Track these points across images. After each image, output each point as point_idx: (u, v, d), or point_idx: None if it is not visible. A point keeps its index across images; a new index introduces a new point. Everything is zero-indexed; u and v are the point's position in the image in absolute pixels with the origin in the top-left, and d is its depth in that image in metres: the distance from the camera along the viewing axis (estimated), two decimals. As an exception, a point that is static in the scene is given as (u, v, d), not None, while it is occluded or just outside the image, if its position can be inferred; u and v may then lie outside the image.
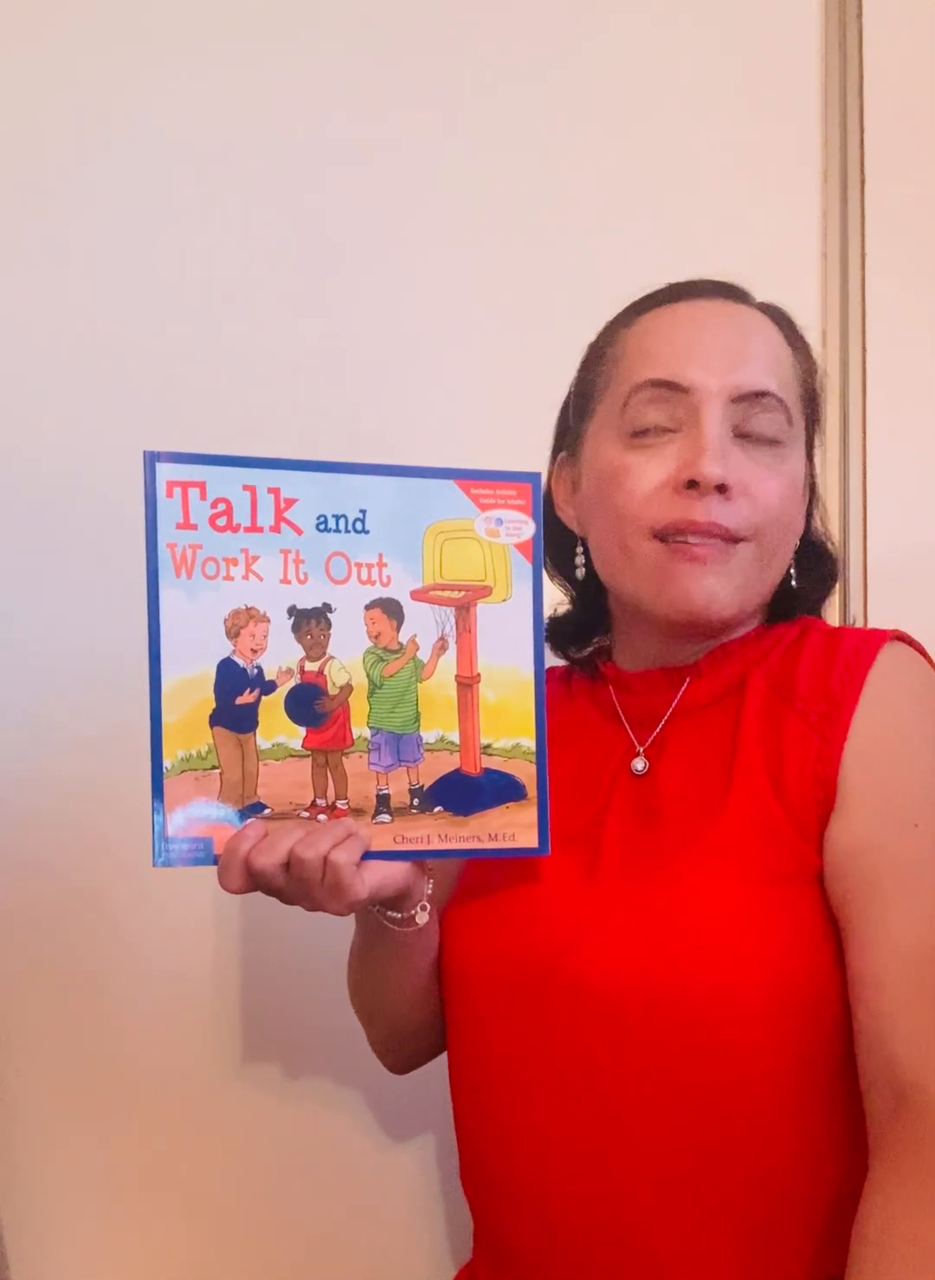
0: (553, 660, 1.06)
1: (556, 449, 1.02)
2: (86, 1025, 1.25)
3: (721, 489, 0.87)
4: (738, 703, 0.91)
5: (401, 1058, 1.07)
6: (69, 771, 1.23)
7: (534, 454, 1.00)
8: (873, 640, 0.88)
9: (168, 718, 0.81)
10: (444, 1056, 0.99)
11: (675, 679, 0.94)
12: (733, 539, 0.88)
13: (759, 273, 0.94)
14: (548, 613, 0.91)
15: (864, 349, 1.28)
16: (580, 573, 0.98)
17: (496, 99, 1.30)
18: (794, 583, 0.95)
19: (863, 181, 1.28)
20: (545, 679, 1.03)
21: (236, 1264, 1.26)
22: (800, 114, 1.29)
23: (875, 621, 1.25)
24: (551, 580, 1.02)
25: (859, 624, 1.25)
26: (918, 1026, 0.78)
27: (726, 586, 0.89)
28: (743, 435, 0.89)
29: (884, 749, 0.84)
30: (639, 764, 0.93)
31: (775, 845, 0.84)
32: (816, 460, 0.98)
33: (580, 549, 0.98)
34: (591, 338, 0.99)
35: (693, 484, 0.87)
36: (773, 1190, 0.83)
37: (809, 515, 0.98)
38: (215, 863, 0.82)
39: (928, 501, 1.25)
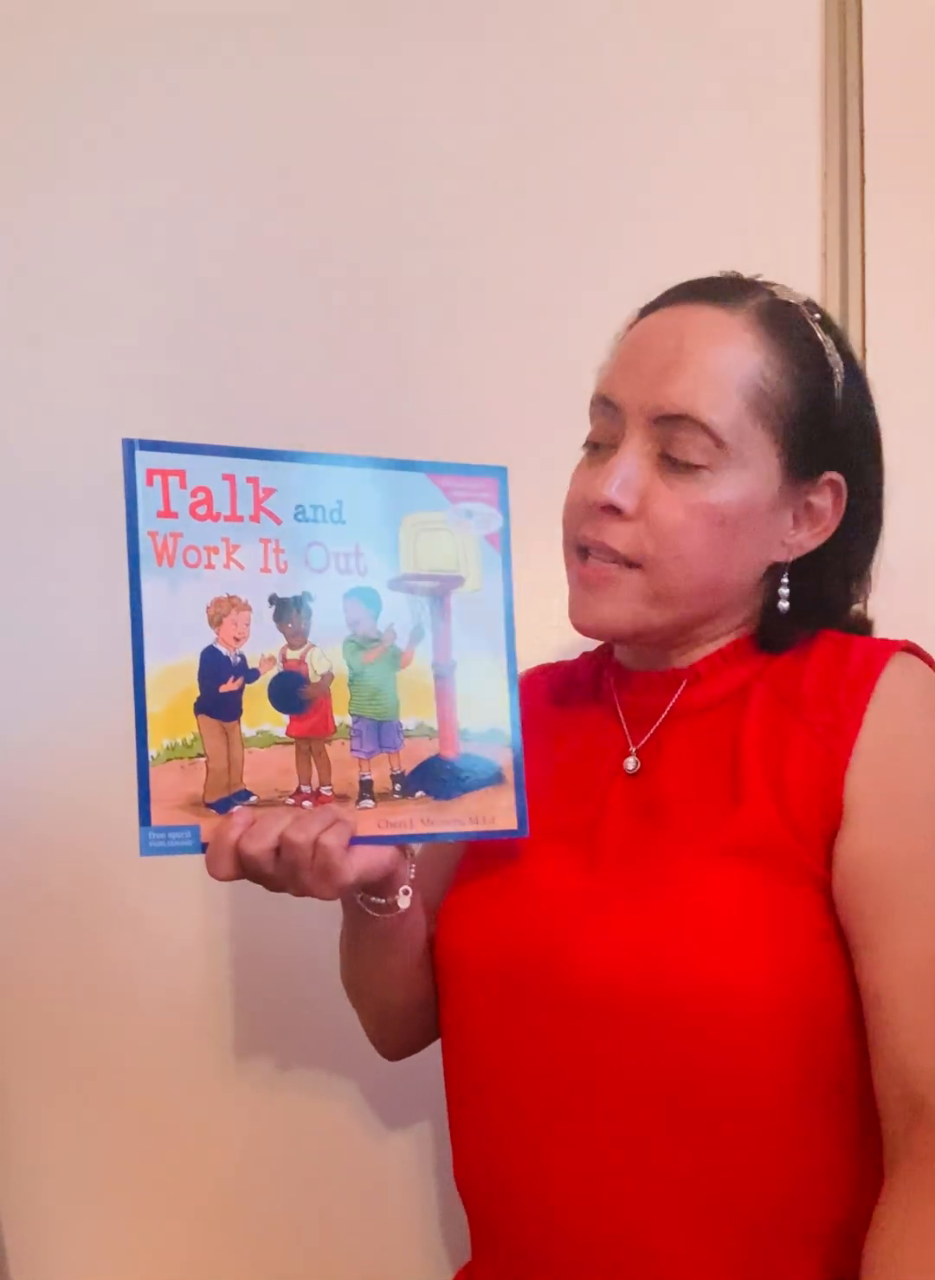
0: (545, 653, 1.07)
1: None
2: (81, 1024, 1.25)
3: (616, 510, 0.88)
4: (739, 709, 0.90)
5: (393, 1043, 1.07)
6: (57, 762, 1.24)
7: (528, 452, 1.01)
8: (881, 651, 0.88)
9: (152, 707, 0.81)
10: (440, 1055, 0.99)
11: (672, 681, 0.94)
12: (624, 561, 0.89)
13: (759, 272, 0.94)
14: (526, 602, 0.92)
15: (864, 349, 1.27)
16: None
17: (496, 98, 1.31)
18: (782, 605, 0.93)
19: (863, 181, 1.27)
20: (547, 674, 1.05)
21: (235, 1264, 1.25)
22: (800, 114, 1.29)
23: (876, 623, 1.24)
24: None
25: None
26: (931, 1039, 0.78)
27: (614, 610, 0.90)
28: (668, 457, 0.88)
29: (892, 761, 0.84)
30: (631, 764, 0.93)
31: (777, 852, 0.83)
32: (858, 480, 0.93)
33: None
34: (588, 338, 0.99)
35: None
36: (772, 1190, 0.82)
37: (841, 536, 0.93)
38: (202, 851, 0.82)
39: (928, 501, 1.25)
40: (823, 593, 0.94)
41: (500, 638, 0.89)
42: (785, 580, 0.93)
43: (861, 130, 1.27)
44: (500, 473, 0.90)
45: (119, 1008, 1.25)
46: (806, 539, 0.92)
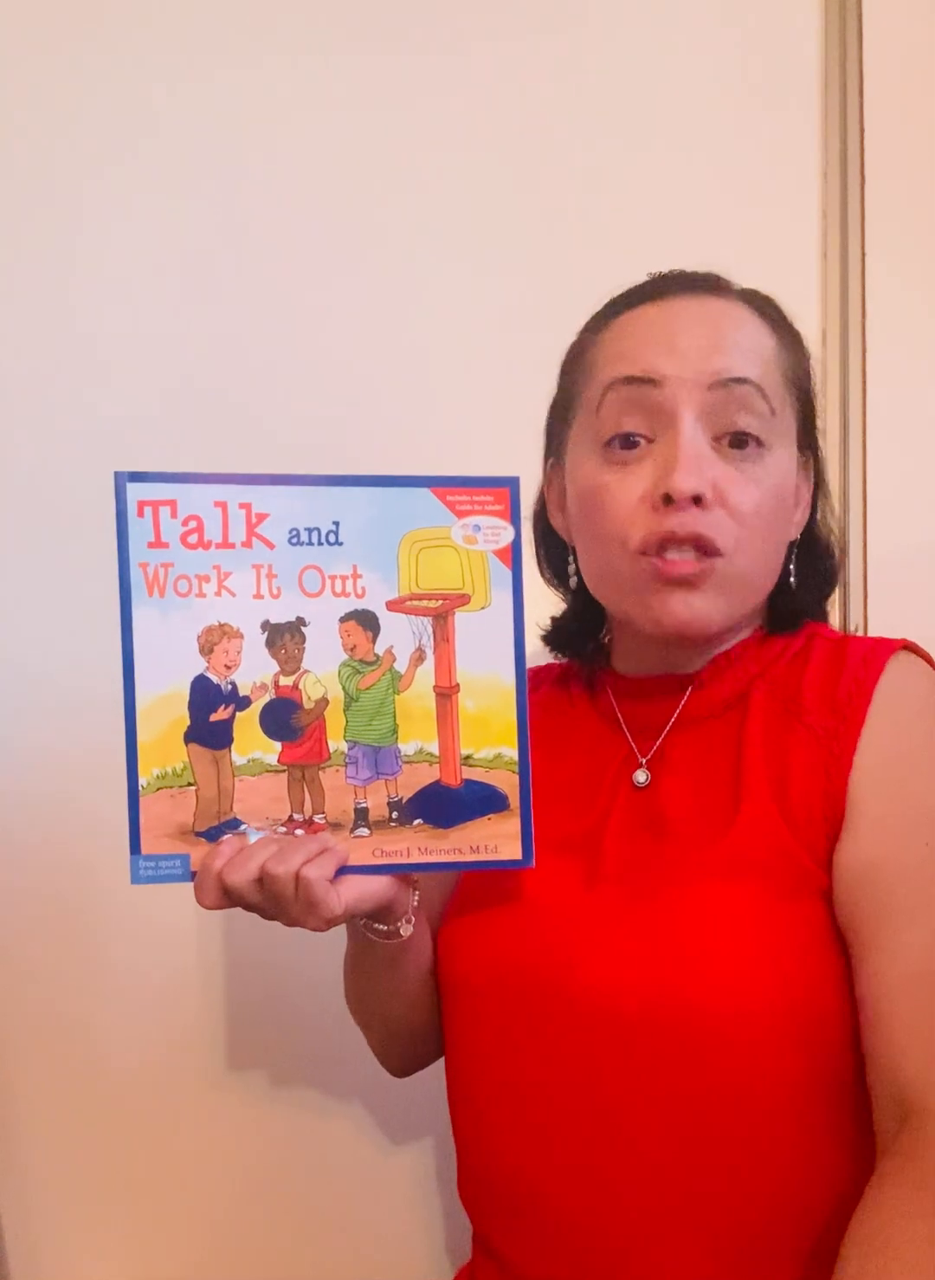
0: (541, 661, 1.05)
1: (546, 453, 1.00)
2: (84, 1032, 1.25)
3: (697, 501, 0.84)
4: (741, 715, 0.89)
5: (400, 1062, 1.07)
6: (51, 789, 1.24)
7: (525, 455, 0.98)
8: (880, 651, 0.86)
9: (143, 736, 0.82)
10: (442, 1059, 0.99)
11: (676, 688, 0.93)
12: (713, 551, 0.85)
13: (759, 272, 0.93)
14: (532, 617, 0.90)
15: (864, 349, 1.27)
16: (573, 582, 0.97)
17: (494, 99, 1.29)
18: (792, 582, 0.93)
19: (863, 181, 1.27)
20: (538, 681, 1.03)
21: (236, 1266, 1.26)
22: (800, 115, 1.28)
23: (875, 623, 1.24)
24: (548, 585, 1.01)
25: (859, 626, 1.25)
26: (926, 1048, 0.77)
27: (710, 603, 0.86)
28: (721, 436, 0.86)
29: (894, 765, 0.83)
30: (641, 776, 0.92)
31: (781, 862, 0.82)
32: (819, 454, 0.96)
33: (572, 558, 0.96)
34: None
35: (669, 498, 0.84)
36: (775, 1199, 0.82)
37: (814, 510, 0.95)
38: (192, 879, 0.82)
39: (928, 501, 1.24)
40: (820, 565, 0.96)
41: (508, 657, 0.85)
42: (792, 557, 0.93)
43: (861, 130, 1.28)
44: (512, 483, 0.86)
45: (121, 1019, 1.26)
46: (800, 515, 0.94)
